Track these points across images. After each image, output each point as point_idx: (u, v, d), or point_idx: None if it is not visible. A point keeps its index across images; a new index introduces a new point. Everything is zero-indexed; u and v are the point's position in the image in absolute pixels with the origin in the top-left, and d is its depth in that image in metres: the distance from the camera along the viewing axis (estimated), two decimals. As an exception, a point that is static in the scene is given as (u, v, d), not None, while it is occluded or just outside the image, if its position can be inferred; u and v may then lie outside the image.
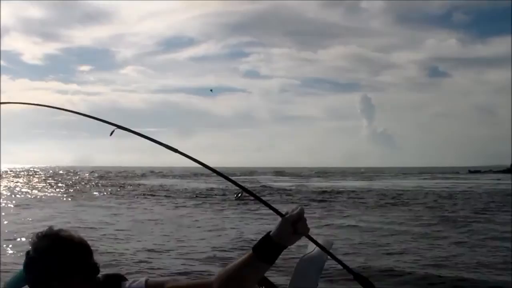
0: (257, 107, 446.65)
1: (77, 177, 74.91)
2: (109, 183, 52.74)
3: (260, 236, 1.90)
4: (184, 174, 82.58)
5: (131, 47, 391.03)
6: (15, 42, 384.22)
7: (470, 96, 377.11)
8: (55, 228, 1.99)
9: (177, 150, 2.19)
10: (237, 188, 2.14)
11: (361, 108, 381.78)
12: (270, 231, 1.89)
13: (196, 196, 33.15)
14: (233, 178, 2.17)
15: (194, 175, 74.16)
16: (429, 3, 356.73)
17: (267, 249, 1.85)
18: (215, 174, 2.22)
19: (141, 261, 11.80)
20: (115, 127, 2.19)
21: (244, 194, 2.36)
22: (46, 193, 37.00)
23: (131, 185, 48.70)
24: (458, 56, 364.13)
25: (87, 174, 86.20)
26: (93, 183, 54.26)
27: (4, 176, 75.57)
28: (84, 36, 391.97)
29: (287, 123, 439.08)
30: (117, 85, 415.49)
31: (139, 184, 50.92)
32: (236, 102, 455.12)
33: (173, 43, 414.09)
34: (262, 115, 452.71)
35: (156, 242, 14.69)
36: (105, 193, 37.09)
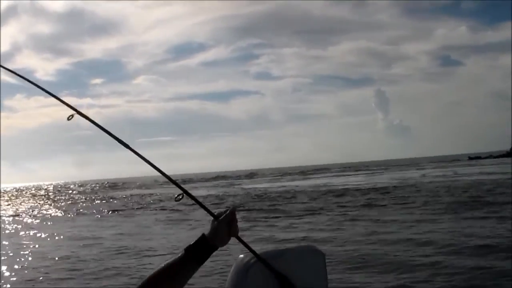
0: (271, 108, 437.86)
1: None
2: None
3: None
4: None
5: (141, 57, 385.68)
6: (27, 60, 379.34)
7: (484, 82, 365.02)
8: None
9: (128, 145, 1.95)
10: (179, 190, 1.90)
11: (375, 102, 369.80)
12: (204, 233, 1.81)
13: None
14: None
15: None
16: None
17: (201, 249, 1.77)
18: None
19: None
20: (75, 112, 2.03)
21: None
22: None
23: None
24: (469, 43, 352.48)
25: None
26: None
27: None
28: (93, 48, 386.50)
29: (302, 122, 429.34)
30: (130, 96, 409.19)
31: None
32: (250, 105, 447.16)
33: (183, 49, 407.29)
34: (276, 116, 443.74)
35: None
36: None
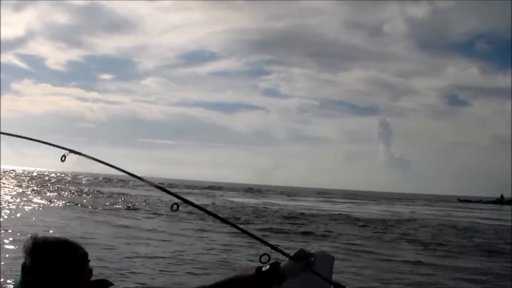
0: (275, 125, 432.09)
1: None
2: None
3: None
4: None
5: (152, 59, 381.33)
6: (40, 47, 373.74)
7: (489, 126, 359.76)
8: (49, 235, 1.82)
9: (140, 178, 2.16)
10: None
11: (379, 132, 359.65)
12: (279, 262, 1.85)
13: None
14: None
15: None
16: (452, 31, 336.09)
17: (272, 277, 1.80)
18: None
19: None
20: (67, 152, 2.13)
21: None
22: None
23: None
24: (478, 85, 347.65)
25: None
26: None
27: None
28: (107, 44, 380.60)
29: (304, 143, 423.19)
30: (137, 95, 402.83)
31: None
32: (254, 120, 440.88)
33: (194, 57, 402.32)
34: (279, 134, 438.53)
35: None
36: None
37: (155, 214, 26.48)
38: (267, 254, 1.86)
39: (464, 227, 30.52)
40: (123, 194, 45.20)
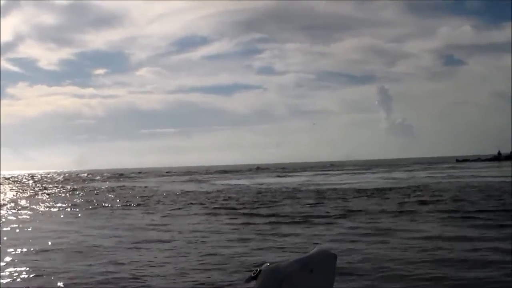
0: (274, 103, 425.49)
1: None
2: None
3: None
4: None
5: (144, 49, 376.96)
6: (30, 49, 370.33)
7: (487, 82, 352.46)
8: None
9: None
10: None
11: (378, 99, 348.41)
12: None
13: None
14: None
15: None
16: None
17: None
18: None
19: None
20: None
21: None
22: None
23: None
24: (473, 42, 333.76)
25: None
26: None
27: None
28: (97, 40, 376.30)
29: (304, 117, 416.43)
30: (133, 87, 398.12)
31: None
32: (252, 99, 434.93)
33: (186, 43, 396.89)
34: (279, 111, 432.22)
35: None
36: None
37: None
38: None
39: (467, 185, 29.58)
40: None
